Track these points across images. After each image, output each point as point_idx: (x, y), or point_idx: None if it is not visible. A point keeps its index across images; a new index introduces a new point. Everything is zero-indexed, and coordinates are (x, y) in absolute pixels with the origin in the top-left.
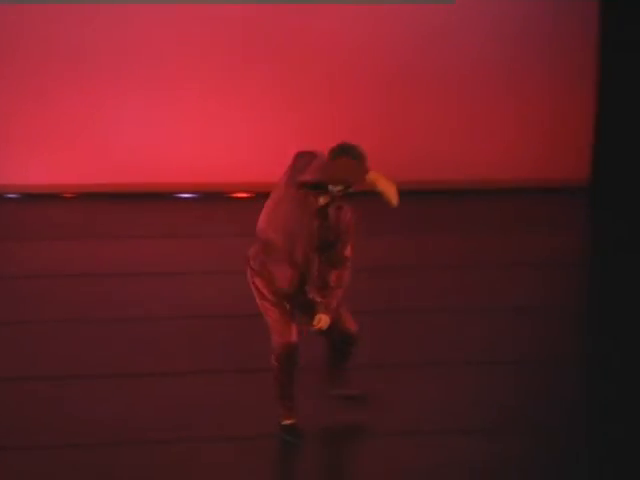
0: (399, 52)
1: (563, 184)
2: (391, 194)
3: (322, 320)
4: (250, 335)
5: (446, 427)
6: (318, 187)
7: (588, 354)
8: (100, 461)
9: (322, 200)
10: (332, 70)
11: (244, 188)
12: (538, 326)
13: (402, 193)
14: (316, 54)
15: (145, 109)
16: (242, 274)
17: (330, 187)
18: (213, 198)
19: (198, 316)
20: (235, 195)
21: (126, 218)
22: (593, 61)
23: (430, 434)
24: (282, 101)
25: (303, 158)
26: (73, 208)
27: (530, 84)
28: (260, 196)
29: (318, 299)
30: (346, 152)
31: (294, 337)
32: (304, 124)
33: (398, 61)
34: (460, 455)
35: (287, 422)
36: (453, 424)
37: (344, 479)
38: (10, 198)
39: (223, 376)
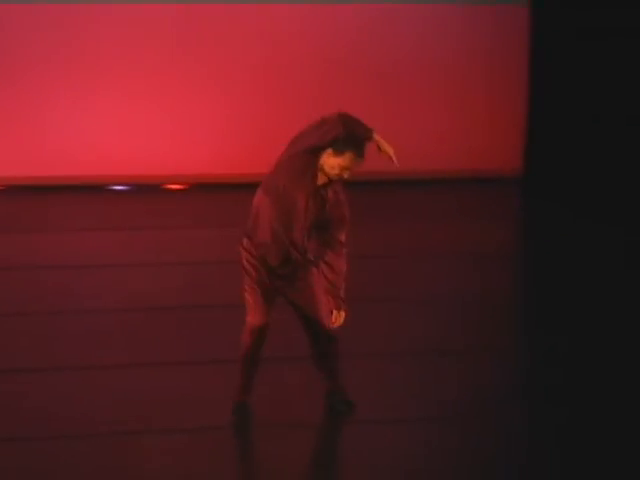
0: (336, 45)
1: (497, 175)
2: (393, 155)
3: (338, 317)
4: (193, 327)
5: (386, 416)
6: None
7: (524, 342)
8: (48, 454)
9: (320, 180)
10: (261, 62)
11: (178, 180)
12: (473, 316)
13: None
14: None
15: (75, 102)
16: (180, 265)
17: (327, 169)
18: (146, 190)
19: (138, 309)
20: (169, 187)
21: (58, 211)
22: (526, 54)
23: (370, 423)
24: (212, 94)
25: (310, 127)
26: (1, 200)
27: (464, 76)
28: (195, 188)
29: (328, 295)
30: (358, 148)
31: (265, 320)
32: (233, 115)
33: (337, 55)
34: (405, 443)
35: (236, 400)
36: (393, 413)
37: (303, 468)
38: None
39: (166, 369)
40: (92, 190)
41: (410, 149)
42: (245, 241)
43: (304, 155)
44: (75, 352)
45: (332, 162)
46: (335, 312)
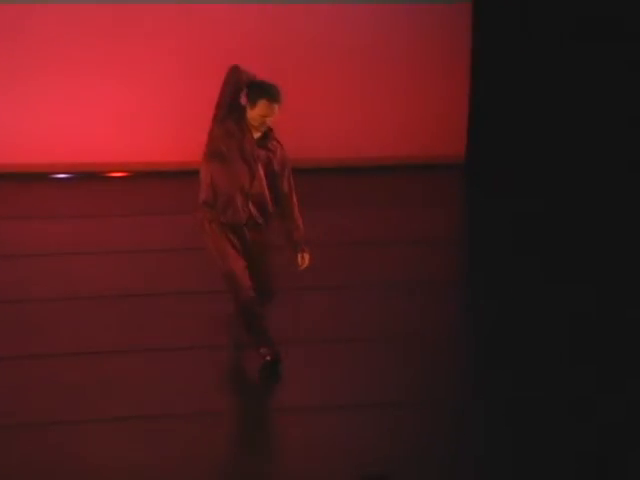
0: (295, 42)
1: (440, 161)
2: None
3: (305, 258)
4: (141, 315)
5: (342, 402)
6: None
7: (467, 327)
8: None
9: (255, 134)
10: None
11: (121, 168)
12: (418, 300)
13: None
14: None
15: (15, 88)
16: (127, 253)
17: (252, 122)
18: (89, 178)
19: (82, 297)
20: (111, 174)
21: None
22: (468, 41)
23: (326, 409)
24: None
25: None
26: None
27: (410, 65)
28: (138, 175)
29: (290, 239)
30: (266, 93)
31: (243, 261)
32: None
33: (296, 49)
34: (359, 429)
35: (267, 357)
36: (349, 399)
37: (256, 454)
38: None
39: (113, 357)
40: (35, 178)
41: (355, 136)
42: (207, 211)
43: (230, 117)
44: (16, 341)
45: (252, 115)
46: (299, 256)
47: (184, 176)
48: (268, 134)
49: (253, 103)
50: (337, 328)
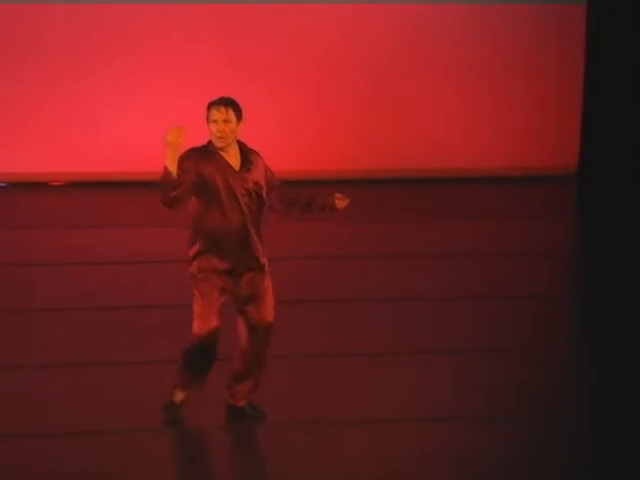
0: (391, 45)
1: (551, 172)
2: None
3: (340, 198)
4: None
5: (425, 415)
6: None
7: (576, 345)
8: None
9: (231, 154)
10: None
11: None
12: (526, 314)
13: (392, 181)
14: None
15: (131, 100)
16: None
17: (213, 137)
18: None
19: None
20: None
21: (114, 206)
22: (581, 51)
23: (411, 421)
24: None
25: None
26: (60, 197)
27: (520, 74)
28: None
29: (316, 203)
30: (217, 101)
31: (216, 323)
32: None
33: (390, 54)
34: (445, 442)
35: (177, 398)
36: (432, 412)
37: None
38: None
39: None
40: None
41: (465, 147)
42: (195, 262)
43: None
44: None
45: (210, 129)
46: (335, 201)
47: None
48: (244, 151)
49: (207, 120)
50: (442, 339)
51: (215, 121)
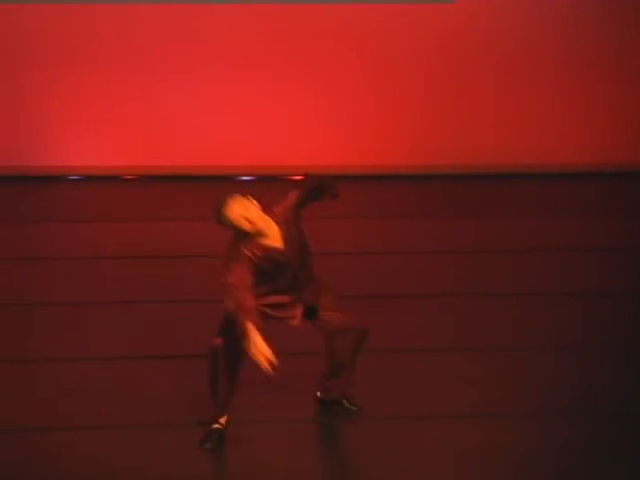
0: (454, 39)
1: (621, 169)
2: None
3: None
4: None
5: (481, 411)
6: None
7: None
8: None
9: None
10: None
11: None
12: (594, 311)
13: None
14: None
15: (205, 93)
16: None
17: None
18: (272, 180)
19: None
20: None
21: (186, 200)
22: None
23: (467, 417)
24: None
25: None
26: (133, 190)
27: (587, 68)
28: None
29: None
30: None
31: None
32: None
33: (452, 47)
34: (497, 439)
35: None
36: (488, 408)
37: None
38: (71, 180)
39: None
40: (218, 180)
41: (532, 142)
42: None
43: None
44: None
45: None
46: None
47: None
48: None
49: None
50: (512, 335)
51: (243, 215)
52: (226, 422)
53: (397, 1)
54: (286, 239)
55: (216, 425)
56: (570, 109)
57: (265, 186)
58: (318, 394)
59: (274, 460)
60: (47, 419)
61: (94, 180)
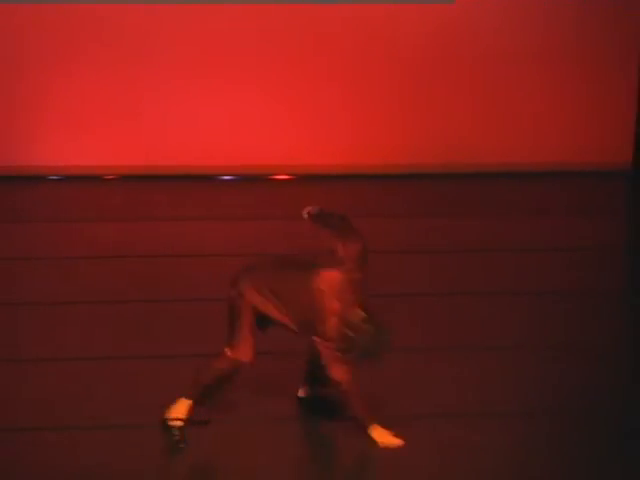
0: (452, 37)
1: (604, 168)
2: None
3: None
4: None
5: (479, 410)
6: None
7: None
8: None
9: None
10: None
11: (286, 170)
12: (576, 312)
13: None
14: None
15: (184, 93)
16: None
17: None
18: (253, 180)
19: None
20: (276, 177)
21: (165, 200)
22: (636, 42)
23: (465, 416)
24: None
25: None
26: (113, 190)
27: (571, 66)
28: (302, 178)
29: None
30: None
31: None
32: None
33: (451, 46)
34: (498, 437)
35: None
36: (486, 407)
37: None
38: (53, 179)
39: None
40: (198, 180)
41: (515, 142)
42: None
43: None
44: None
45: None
46: None
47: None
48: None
49: None
50: (499, 335)
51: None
52: (188, 415)
53: (379, 1)
54: None
55: (176, 421)
56: (554, 108)
57: (248, 186)
58: (300, 393)
59: (259, 459)
60: (37, 419)
61: (76, 180)
